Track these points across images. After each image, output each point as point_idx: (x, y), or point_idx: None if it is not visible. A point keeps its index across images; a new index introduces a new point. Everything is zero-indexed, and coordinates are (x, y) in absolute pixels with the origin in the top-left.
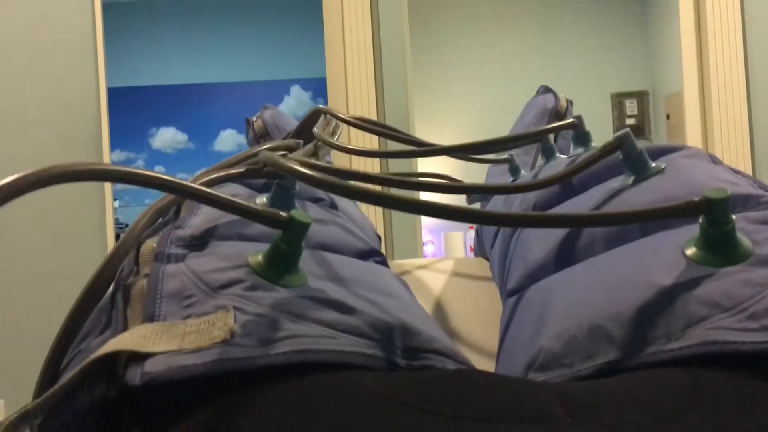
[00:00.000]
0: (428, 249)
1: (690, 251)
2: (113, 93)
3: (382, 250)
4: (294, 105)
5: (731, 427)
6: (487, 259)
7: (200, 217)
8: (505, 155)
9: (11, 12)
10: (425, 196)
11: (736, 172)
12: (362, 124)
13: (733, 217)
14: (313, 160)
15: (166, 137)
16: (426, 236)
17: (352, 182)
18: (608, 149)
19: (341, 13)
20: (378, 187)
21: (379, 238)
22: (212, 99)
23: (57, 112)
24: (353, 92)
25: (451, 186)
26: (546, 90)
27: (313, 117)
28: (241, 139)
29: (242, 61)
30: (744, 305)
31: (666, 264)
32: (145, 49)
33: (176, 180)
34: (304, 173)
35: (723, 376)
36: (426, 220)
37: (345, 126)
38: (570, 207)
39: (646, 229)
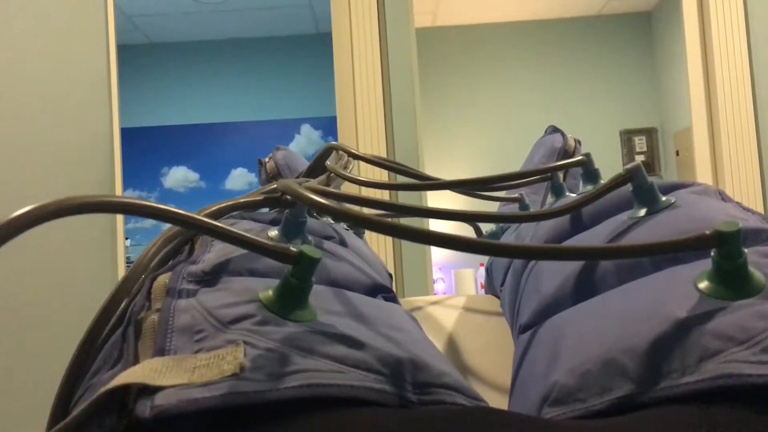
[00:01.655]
0: (439, 286)
1: (703, 285)
2: (126, 133)
3: (393, 287)
4: (304, 143)
5: None
6: (498, 297)
7: (213, 253)
8: (515, 194)
9: (27, 54)
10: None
11: (745, 209)
12: (373, 159)
13: (745, 250)
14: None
15: (178, 176)
16: (436, 273)
17: (363, 211)
18: (619, 181)
19: (351, 53)
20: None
21: (391, 276)
22: (223, 138)
23: (71, 151)
24: (363, 131)
25: (462, 214)
26: (554, 130)
27: (325, 154)
28: (252, 177)
29: (253, 101)
30: (758, 338)
31: (679, 297)
32: (157, 89)
33: (188, 213)
34: (315, 200)
35: (736, 411)
36: (436, 258)
37: (356, 163)
38: (580, 241)
39: (658, 263)
